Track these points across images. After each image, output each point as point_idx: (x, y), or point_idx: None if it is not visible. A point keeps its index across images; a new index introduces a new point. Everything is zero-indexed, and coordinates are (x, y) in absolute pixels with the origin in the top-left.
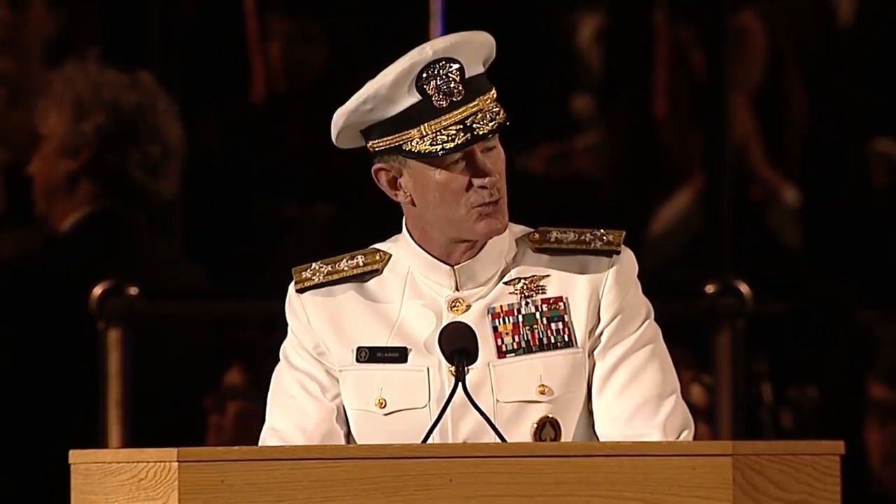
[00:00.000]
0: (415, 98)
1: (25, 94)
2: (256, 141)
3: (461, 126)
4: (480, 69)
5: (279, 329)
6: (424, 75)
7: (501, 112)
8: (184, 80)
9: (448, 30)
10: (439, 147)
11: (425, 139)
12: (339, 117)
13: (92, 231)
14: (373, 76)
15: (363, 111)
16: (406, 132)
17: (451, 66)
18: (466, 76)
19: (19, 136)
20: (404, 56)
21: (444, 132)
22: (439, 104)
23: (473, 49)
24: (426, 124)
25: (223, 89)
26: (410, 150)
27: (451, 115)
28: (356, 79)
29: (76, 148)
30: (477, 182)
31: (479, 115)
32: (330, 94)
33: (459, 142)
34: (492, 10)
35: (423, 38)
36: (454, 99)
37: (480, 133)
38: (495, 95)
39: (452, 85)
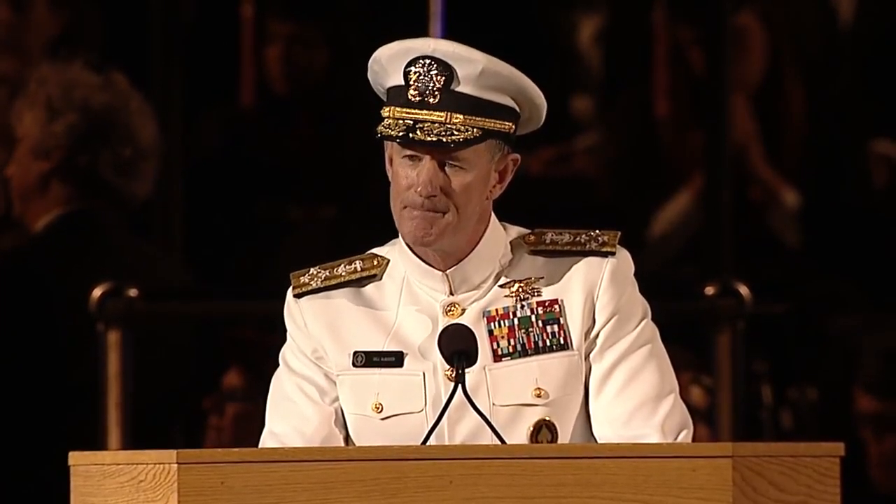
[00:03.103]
0: (399, 80)
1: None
2: (259, 143)
3: (410, 125)
4: (482, 94)
5: (279, 330)
6: (416, 64)
7: (459, 137)
8: (185, 82)
9: (448, 30)
10: (380, 128)
11: (386, 119)
12: (369, 69)
13: (64, 232)
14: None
15: (374, 71)
16: (386, 107)
17: (440, 71)
18: (451, 87)
19: None
20: (411, 39)
21: (396, 121)
22: (411, 96)
23: (473, 69)
24: (394, 108)
25: (225, 90)
26: (380, 125)
27: (412, 111)
28: (357, 80)
29: (48, 149)
30: (413, 185)
31: (431, 126)
32: (331, 96)
33: (393, 134)
34: (492, 10)
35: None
36: (426, 100)
37: (414, 138)
38: (477, 122)
39: (430, 87)
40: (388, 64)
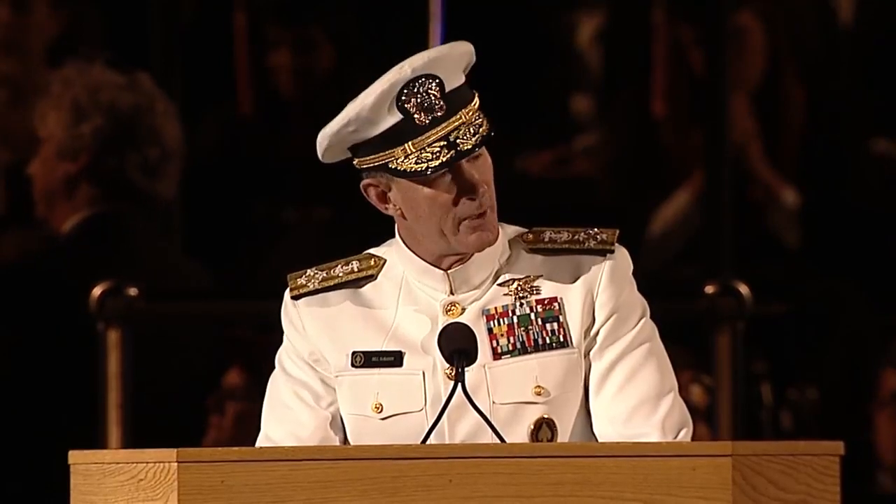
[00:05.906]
0: (396, 117)
1: (27, 96)
2: (255, 144)
3: (445, 142)
4: (461, 80)
5: (278, 330)
6: (405, 94)
7: (485, 123)
8: (183, 83)
9: (448, 30)
10: (425, 166)
11: (410, 157)
12: (324, 138)
13: (91, 234)
14: (372, 78)
15: (346, 132)
16: (391, 151)
17: (430, 83)
18: (447, 91)
19: (21, 138)
20: (383, 76)
21: (428, 149)
22: (421, 122)
23: (452, 62)
24: (410, 142)
25: (223, 92)
26: (396, 168)
27: (433, 131)
28: (355, 81)
29: (75, 151)
30: (465, 195)
31: (462, 130)
32: (328, 98)
33: (444, 159)
34: (492, 11)
35: (423, 38)
36: (436, 115)
37: (464, 149)
38: (478, 104)
39: (433, 101)
40: (373, 113)
